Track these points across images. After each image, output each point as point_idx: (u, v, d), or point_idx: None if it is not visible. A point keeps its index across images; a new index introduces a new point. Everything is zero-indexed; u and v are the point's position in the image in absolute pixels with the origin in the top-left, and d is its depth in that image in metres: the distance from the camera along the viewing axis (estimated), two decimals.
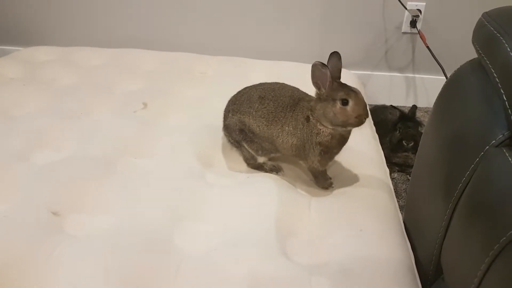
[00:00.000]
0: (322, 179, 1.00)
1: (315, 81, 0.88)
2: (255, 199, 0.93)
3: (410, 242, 0.90)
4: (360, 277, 0.75)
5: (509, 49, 0.64)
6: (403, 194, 1.55)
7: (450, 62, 1.47)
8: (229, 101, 1.06)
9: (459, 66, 0.83)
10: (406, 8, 1.96)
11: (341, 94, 0.86)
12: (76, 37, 2.16)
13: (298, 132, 0.94)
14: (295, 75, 1.40)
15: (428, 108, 2.13)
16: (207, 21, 2.07)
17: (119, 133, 1.14)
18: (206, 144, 1.12)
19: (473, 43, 0.77)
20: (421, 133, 1.30)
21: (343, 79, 0.91)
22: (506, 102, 0.62)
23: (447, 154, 0.75)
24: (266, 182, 0.97)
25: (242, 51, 1.85)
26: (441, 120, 0.82)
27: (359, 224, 0.87)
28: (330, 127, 0.90)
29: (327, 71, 0.86)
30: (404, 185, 1.61)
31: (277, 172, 1.04)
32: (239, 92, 1.05)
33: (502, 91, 0.64)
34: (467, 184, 0.66)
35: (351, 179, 1.01)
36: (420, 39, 1.95)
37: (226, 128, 1.05)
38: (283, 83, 1.02)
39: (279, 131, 0.96)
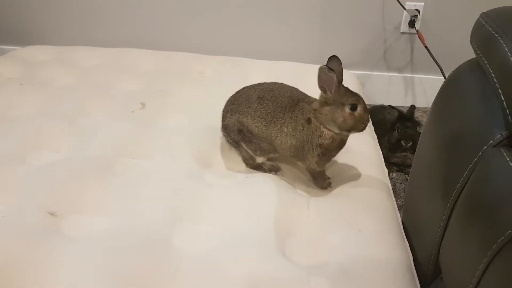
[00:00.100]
0: (321, 179, 1.00)
1: (321, 85, 0.88)
2: (254, 199, 0.93)
3: (408, 242, 0.90)
4: (359, 277, 0.76)
5: (507, 49, 0.64)
6: (401, 194, 1.55)
7: (448, 62, 1.47)
8: (228, 101, 1.06)
9: (457, 66, 0.83)
10: (404, 8, 1.96)
11: (351, 100, 0.87)
12: (75, 36, 2.16)
13: (298, 133, 0.94)
14: (295, 75, 1.40)
15: (427, 108, 2.13)
16: (206, 21, 2.07)
17: (117, 134, 1.14)
18: (205, 144, 1.12)
19: (471, 43, 0.77)
20: (420, 133, 1.30)
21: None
22: (504, 102, 0.62)
23: (445, 154, 0.75)
24: (265, 182, 0.97)
25: (241, 51, 1.85)
26: (439, 120, 0.82)
27: (358, 224, 0.87)
28: (337, 131, 0.91)
29: (334, 75, 0.86)
30: (403, 185, 1.61)
31: (276, 172, 1.04)
32: (237, 92, 1.05)
33: (500, 91, 0.64)
34: (465, 184, 0.66)
35: (349, 179, 1.01)
36: (419, 39, 1.96)
37: (225, 128, 1.05)
38: (282, 83, 1.02)
39: (277, 132, 0.96)
